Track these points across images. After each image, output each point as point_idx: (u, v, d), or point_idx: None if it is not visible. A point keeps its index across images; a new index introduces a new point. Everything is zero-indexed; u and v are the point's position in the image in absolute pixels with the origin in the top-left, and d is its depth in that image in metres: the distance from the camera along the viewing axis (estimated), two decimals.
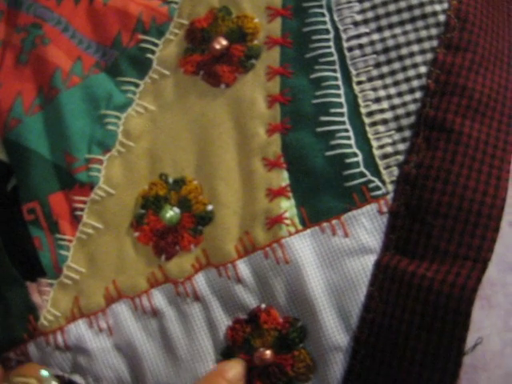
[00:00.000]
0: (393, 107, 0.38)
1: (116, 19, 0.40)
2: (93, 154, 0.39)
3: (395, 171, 0.37)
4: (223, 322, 0.38)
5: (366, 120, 0.38)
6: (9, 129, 0.39)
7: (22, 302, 0.38)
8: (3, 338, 0.38)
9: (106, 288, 0.38)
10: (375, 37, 0.39)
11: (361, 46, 0.39)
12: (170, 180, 0.39)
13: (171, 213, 0.38)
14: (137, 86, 0.40)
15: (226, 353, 0.37)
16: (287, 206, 0.38)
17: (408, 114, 0.38)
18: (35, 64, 0.40)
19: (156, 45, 0.40)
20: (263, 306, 0.37)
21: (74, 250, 0.38)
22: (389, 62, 0.39)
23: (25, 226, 0.38)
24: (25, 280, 0.38)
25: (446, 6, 0.39)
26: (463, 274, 0.34)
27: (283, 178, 0.38)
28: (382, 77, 0.39)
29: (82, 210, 0.39)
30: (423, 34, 0.38)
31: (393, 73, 0.38)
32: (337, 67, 0.39)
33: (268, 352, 0.37)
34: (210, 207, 0.38)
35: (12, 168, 0.39)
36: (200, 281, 0.38)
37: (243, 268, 0.38)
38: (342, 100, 0.38)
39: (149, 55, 0.40)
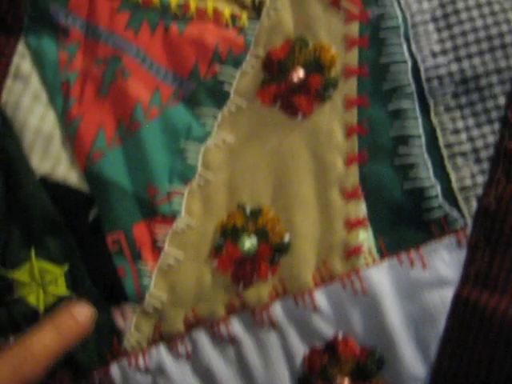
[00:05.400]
0: (471, 139, 0.38)
1: (192, 50, 0.40)
2: (174, 186, 0.40)
3: (474, 204, 0.37)
4: (300, 350, 0.38)
5: (445, 152, 0.38)
6: (92, 162, 0.40)
7: (106, 325, 0.40)
8: (88, 359, 0.39)
9: (186, 315, 0.39)
10: (453, 67, 0.39)
11: (439, 77, 0.39)
12: (248, 210, 0.39)
13: (249, 243, 0.39)
14: (215, 118, 0.40)
15: (303, 381, 0.38)
16: (365, 237, 0.38)
17: (487, 146, 0.38)
18: (115, 97, 0.40)
19: (233, 76, 0.40)
20: (341, 335, 0.38)
21: (155, 278, 0.39)
22: (467, 92, 0.38)
23: (109, 255, 0.40)
24: (109, 305, 0.40)
25: None
26: None
27: (361, 209, 0.38)
28: (460, 107, 0.38)
29: (163, 240, 0.40)
30: (502, 64, 0.38)
31: (471, 104, 0.38)
32: (414, 98, 0.39)
33: (346, 381, 0.38)
34: (286, 237, 0.39)
35: (93, 199, 0.40)
36: (277, 309, 0.39)
37: (320, 297, 0.38)
38: (420, 132, 0.38)
39: (226, 87, 0.40)
